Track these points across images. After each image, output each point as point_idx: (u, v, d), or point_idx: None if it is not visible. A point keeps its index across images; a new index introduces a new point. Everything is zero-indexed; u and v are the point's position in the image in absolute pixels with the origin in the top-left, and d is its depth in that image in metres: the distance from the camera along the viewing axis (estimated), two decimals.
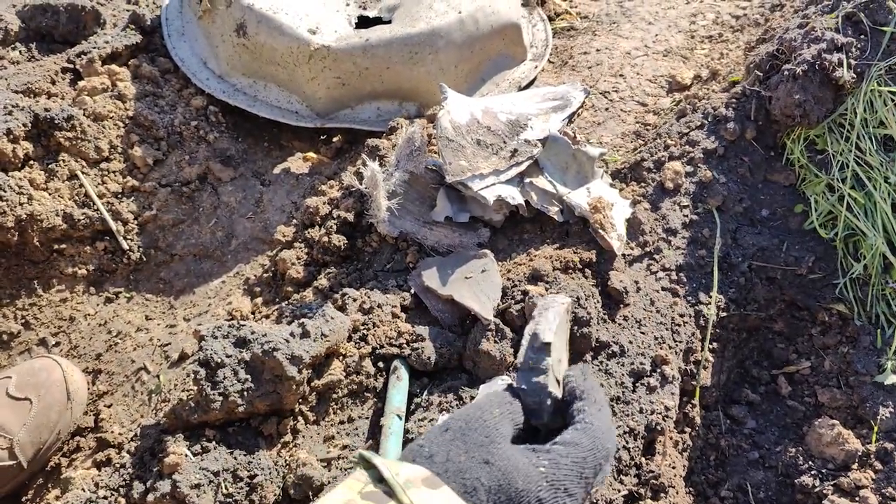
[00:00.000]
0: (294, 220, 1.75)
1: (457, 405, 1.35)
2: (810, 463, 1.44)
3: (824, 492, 1.39)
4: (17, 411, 1.44)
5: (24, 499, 1.47)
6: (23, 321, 1.66)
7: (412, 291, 1.51)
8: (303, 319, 1.40)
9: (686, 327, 1.49)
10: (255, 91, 1.92)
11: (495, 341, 1.38)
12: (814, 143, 1.64)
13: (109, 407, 1.56)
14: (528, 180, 1.64)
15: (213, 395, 1.30)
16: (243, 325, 1.37)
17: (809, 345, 1.58)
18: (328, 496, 0.73)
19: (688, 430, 1.50)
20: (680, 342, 1.48)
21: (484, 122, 1.65)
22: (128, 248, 1.73)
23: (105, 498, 1.28)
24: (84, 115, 1.78)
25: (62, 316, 1.68)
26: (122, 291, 1.73)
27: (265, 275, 1.70)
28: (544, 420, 0.92)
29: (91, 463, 1.47)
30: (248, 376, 1.33)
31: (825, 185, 1.60)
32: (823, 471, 1.42)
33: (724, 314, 1.54)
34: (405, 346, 1.42)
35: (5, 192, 1.61)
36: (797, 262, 1.58)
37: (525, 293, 1.42)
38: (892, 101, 1.56)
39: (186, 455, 1.28)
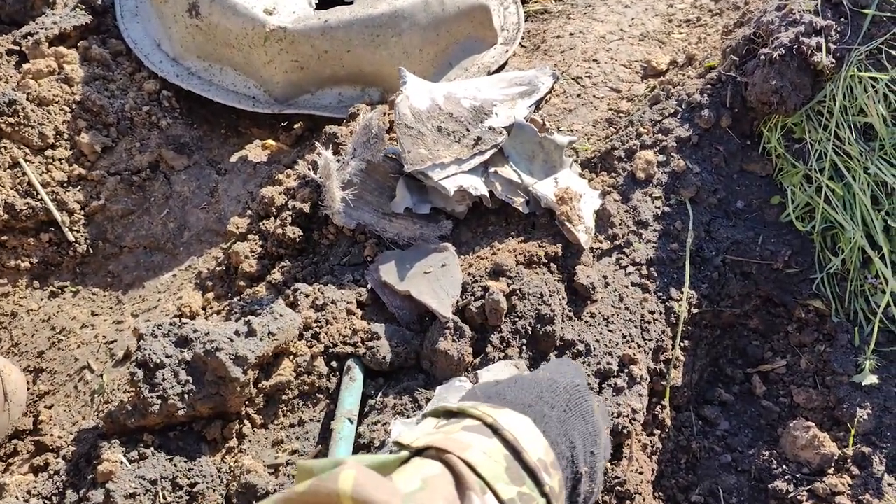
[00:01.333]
0: (249, 211, 1.66)
1: (412, 408, 1.28)
2: (784, 467, 1.37)
3: (799, 497, 1.33)
4: None
5: None
6: None
7: (369, 287, 1.43)
8: (249, 317, 1.32)
9: (656, 324, 1.42)
10: (211, 75, 1.82)
11: (453, 340, 1.30)
12: (791, 131, 1.57)
13: (50, 408, 1.48)
14: (492, 170, 1.56)
15: (152, 397, 1.22)
16: (185, 324, 1.29)
17: (785, 342, 1.52)
18: (409, 433, 0.75)
19: (657, 432, 1.43)
20: (650, 340, 1.41)
21: (446, 108, 1.57)
22: (74, 239, 1.65)
23: None
24: (28, 99, 1.68)
25: (3, 311, 1.59)
26: (67, 286, 1.64)
27: (218, 268, 1.61)
28: None
29: (28, 468, 1.38)
30: (190, 378, 1.25)
31: (803, 175, 1.53)
32: (798, 475, 1.36)
33: (697, 311, 1.47)
34: (360, 344, 1.34)
35: None
36: (773, 256, 1.51)
37: (485, 289, 1.35)
38: (873, 87, 1.48)
39: (122, 462, 1.21)
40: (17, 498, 1.26)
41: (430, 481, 0.68)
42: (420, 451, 0.72)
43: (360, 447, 1.24)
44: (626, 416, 1.32)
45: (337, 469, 0.63)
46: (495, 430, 0.74)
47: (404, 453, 0.72)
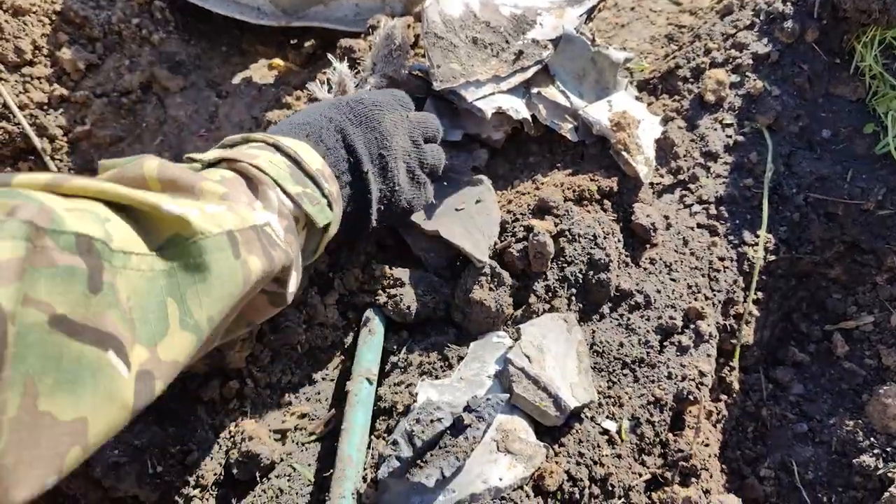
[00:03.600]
0: None
1: (441, 367, 1.09)
2: (872, 439, 1.18)
3: (889, 475, 1.14)
4: None
5: None
6: None
7: None
8: None
9: (727, 273, 1.22)
10: None
11: (490, 288, 1.11)
12: (891, 47, 1.33)
13: None
14: (535, 90, 1.34)
15: None
16: None
17: (873, 296, 1.30)
18: (202, 154, 0.90)
19: (724, 397, 1.24)
20: (719, 291, 1.21)
21: (482, 16, 1.34)
22: (56, 170, 1.45)
23: None
24: (1, 8, 1.47)
25: None
26: None
27: None
28: None
29: None
30: None
31: None
32: (889, 449, 1.17)
33: (774, 257, 1.26)
34: (380, 292, 1.16)
35: None
36: (863, 194, 1.29)
37: (528, 229, 1.14)
38: None
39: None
40: None
41: (227, 181, 0.80)
42: (212, 165, 0.84)
43: (380, 412, 1.07)
44: (693, 380, 1.12)
45: (139, 158, 0.72)
46: (278, 147, 0.89)
47: (196, 165, 0.83)
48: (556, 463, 0.98)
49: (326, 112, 1.00)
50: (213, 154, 0.84)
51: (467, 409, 0.96)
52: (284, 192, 0.84)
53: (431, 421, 0.95)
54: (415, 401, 1.02)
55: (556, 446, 1.01)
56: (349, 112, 1.01)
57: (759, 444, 1.25)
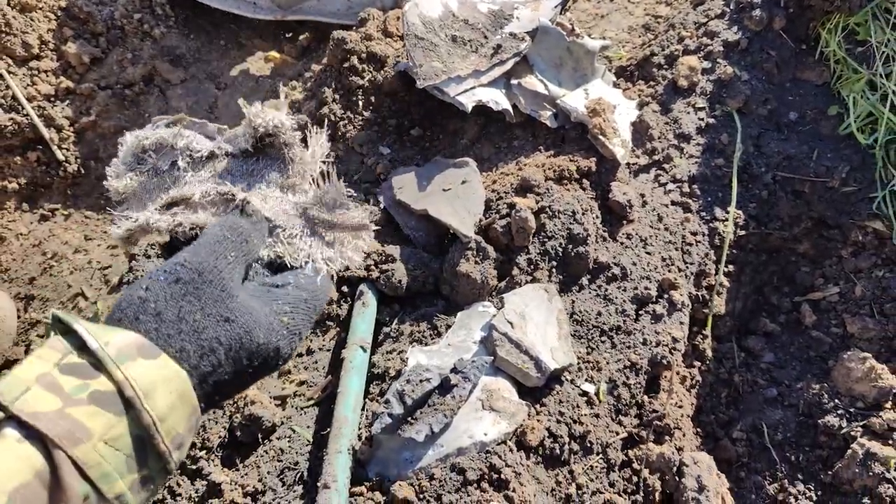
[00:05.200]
0: None
1: (431, 335, 1.16)
2: (836, 401, 1.25)
3: (853, 433, 1.21)
4: None
5: None
6: None
7: (382, 206, 1.30)
8: None
9: (699, 247, 1.29)
10: None
11: (476, 262, 1.18)
12: (854, 33, 1.40)
13: (42, 337, 1.38)
14: (515, 81, 1.41)
15: None
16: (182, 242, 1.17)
17: (839, 268, 1.38)
18: (15, 371, 0.59)
19: (697, 363, 1.32)
20: (691, 264, 1.28)
21: (461, 14, 1.41)
22: (63, 158, 1.53)
23: None
24: (9, 4, 1.54)
25: None
26: (58, 208, 1.53)
27: None
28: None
29: None
30: None
31: (866, 82, 1.37)
32: (852, 410, 1.24)
33: (743, 233, 1.33)
34: (373, 268, 1.23)
35: None
36: (829, 172, 1.37)
37: (511, 206, 1.21)
38: None
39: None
40: None
41: (17, 496, 0.55)
42: (21, 421, 0.56)
43: (373, 377, 1.14)
44: (666, 346, 1.20)
45: None
46: (130, 407, 0.62)
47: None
48: (538, 421, 1.06)
49: (204, 331, 0.69)
50: (24, 401, 0.58)
51: (454, 370, 1.03)
52: (102, 496, 0.60)
53: (421, 381, 1.02)
54: (406, 365, 1.09)
55: (537, 406, 1.08)
56: (183, 292, 0.70)
57: (732, 408, 1.33)
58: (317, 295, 0.79)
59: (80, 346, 0.62)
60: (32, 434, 0.56)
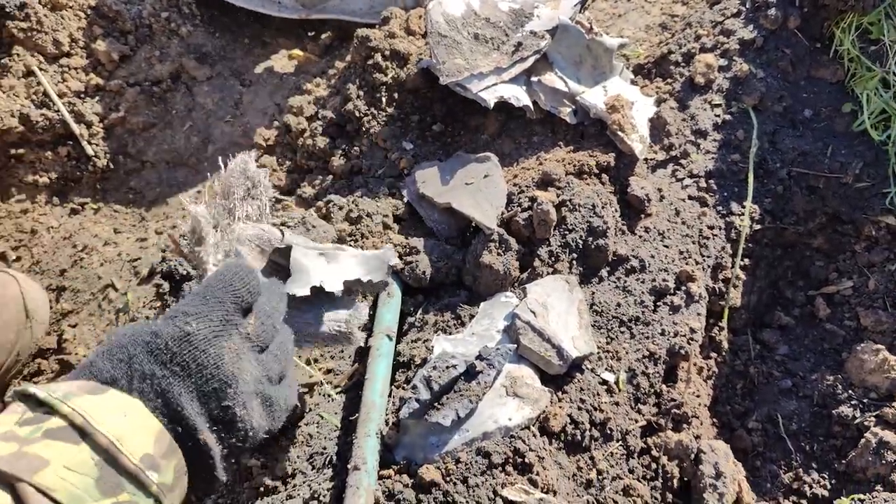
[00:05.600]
0: (276, 123, 1.56)
1: (455, 324, 1.20)
2: (850, 392, 1.28)
3: (865, 423, 1.24)
4: None
5: None
6: None
7: (405, 200, 1.34)
8: (281, 228, 1.23)
9: (715, 240, 1.32)
10: None
11: (499, 253, 1.21)
12: (867, 32, 1.43)
13: (74, 327, 1.42)
14: (535, 78, 1.44)
15: None
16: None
17: (852, 263, 1.41)
18: None
19: (714, 355, 1.34)
20: (708, 257, 1.31)
21: (482, 12, 1.45)
22: (93, 153, 1.56)
23: None
24: (40, 3, 1.58)
25: (23, 228, 1.52)
26: (88, 202, 1.57)
27: None
28: None
29: None
30: None
31: (879, 80, 1.40)
32: (865, 401, 1.27)
33: (759, 227, 1.36)
34: (398, 259, 1.26)
35: None
36: (842, 168, 1.39)
37: (533, 199, 1.25)
38: None
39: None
40: None
41: None
42: None
43: (399, 365, 1.17)
44: (684, 336, 1.23)
45: None
46: (84, 433, 0.64)
47: None
48: (560, 407, 1.09)
49: (138, 361, 0.71)
50: None
51: (479, 357, 1.06)
52: None
53: (447, 367, 1.05)
54: (431, 353, 1.12)
55: (559, 393, 1.11)
56: (170, 360, 0.72)
57: (748, 399, 1.35)
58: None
59: (36, 402, 0.66)
60: None
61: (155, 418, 0.69)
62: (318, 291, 1.01)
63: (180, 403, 0.71)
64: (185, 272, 1.17)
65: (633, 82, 1.48)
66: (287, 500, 1.05)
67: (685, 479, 1.17)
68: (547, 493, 1.00)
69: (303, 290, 0.98)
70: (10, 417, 0.65)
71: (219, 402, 0.74)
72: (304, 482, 1.07)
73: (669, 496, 1.15)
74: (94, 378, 0.70)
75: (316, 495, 1.02)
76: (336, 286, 1.02)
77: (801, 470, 1.25)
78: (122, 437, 0.65)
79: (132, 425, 0.67)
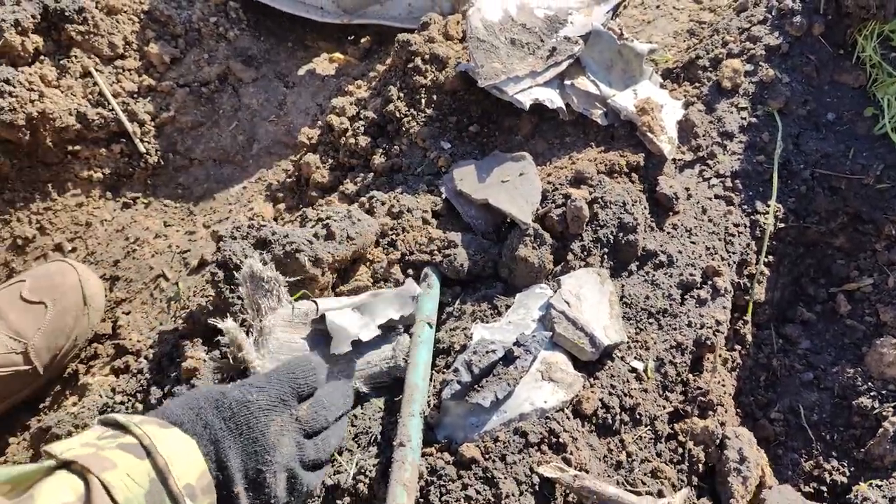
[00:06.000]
0: (319, 123, 1.64)
1: (491, 314, 1.26)
2: (869, 384, 1.33)
3: (884, 413, 1.29)
4: (31, 315, 1.39)
5: (41, 405, 1.43)
6: (37, 226, 1.59)
7: (444, 196, 1.41)
8: (327, 221, 1.31)
9: (740, 238, 1.38)
10: None
11: (534, 247, 1.28)
12: (889, 39, 1.48)
13: (127, 314, 1.50)
14: (568, 82, 1.51)
15: (232, 298, 1.22)
16: (264, 226, 1.28)
17: (873, 261, 1.46)
18: (65, 441, 0.78)
19: (738, 347, 1.40)
20: (733, 253, 1.37)
21: (519, 19, 1.52)
22: (145, 151, 1.65)
23: (122, 403, 1.23)
24: (97, 7, 1.67)
25: (78, 221, 1.61)
26: (139, 197, 1.65)
27: (288, 180, 1.60)
28: None
29: (109, 370, 1.41)
30: None
31: None
32: (884, 392, 1.32)
33: (783, 225, 1.42)
34: (436, 252, 1.32)
35: (15, 87, 1.52)
36: (864, 170, 1.45)
37: (566, 196, 1.31)
38: None
39: (205, 360, 1.21)
40: (100, 396, 1.29)
41: None
42: (68, 464, 0.75)
43: (439, 352, 1.24)
44: (710, 328, 1.29)
45: None
46: (149, 452, 0.78)
47: (49, 463, 0.75)
48: (592, 392, 1.15)
49: (204, 412, 0.87)
50: (72, 451, 0.76)
51: (516, 343, 1.13)
52: None
53: (486, 352, 1.12)
54: (470, 340, 1.19)
55: (591, 379, 1.17)
56: (230, 418, 0.88)
57: (770, 391, 1.41)
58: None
59: (116, 425, 0.82)
60: (75, 470, 0.74)
61: (203, 460, 0.83)
62: (359, 343, 1.15)
63: (227, 455, 0.85)
64: (238, 262, 1.24)
65: (662, 86, 1.55)
66: (335, 475, 1.11)
67: (710, 463, 1.22)
68: (580, 471, 1.06)
69: (346, 348, 1.12)
70: (93, 433, 0.82)
71: (255, 463, 0.88)
72: (350, 459, 1.14)
73: (695, 479, 1.21)
74: (165, 418, 0.85)
75: (363, 470, 1.09)
76: (372, 333, 1.16)
77: (821, 458, 1.31)
78: (175, 463, 0.79)
79: (185, 458, 0.81)
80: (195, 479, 0.81)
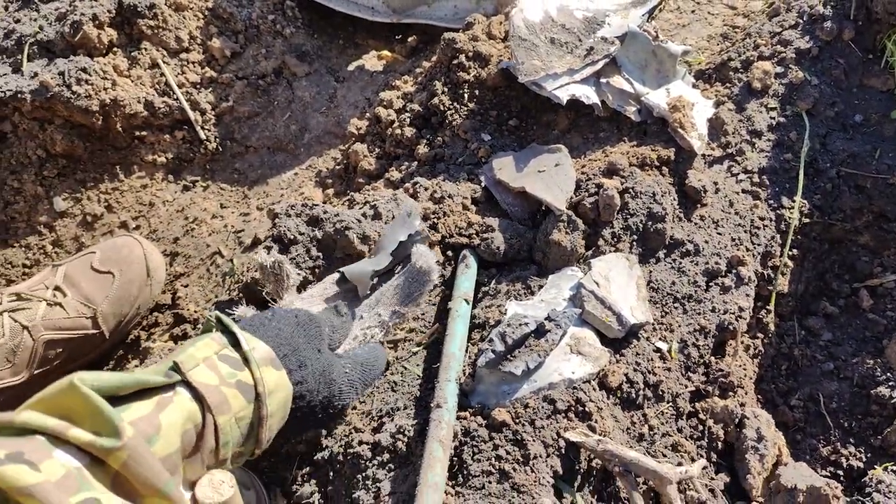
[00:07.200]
0: (367, 115, 1.74)
1: (525, 293, 1.34)
2: (889, 374, 1.39)
3: None
4: (100, 284, 1.50)
5: (105, 368, 1.54)
6: (105, 204, 1.71)
7: (483, 185, 1.50)
8: (374, 202, 1.40)
9: (766, 230, 1.44)
10: None
11: (567, 232, 1.36)
12: None
13: (186, 287, 1.61)
14: (604, 80, 1.59)
15: (288, 269, 1.32)
16: (316, 206, 1.39)
17: None
18: (188, 349, 0.87)
19: (760, 336, 1.46)
20: (758, 245, 1.43)
21: (559, 19, 1.60)
22: (205, 138, 1.76)
23: None
24: (166, 4, 1.79)
25: (142, 201, 1.73)
26: (198, 180, 1.77)
27: (337, 167, 1.71)
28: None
29: (168, 337, 1.52)
30: (320, 254, 1.35)
31: None
32: None
33: (808, 220, 1.48)
34: (475, 236, 1.41)
35: (91, 76, 1.65)
36: (890, 170, 1.50)
37: (599, 186, 1.39)
38: None
39: None
40: (159, 359, 1.40)
41: (185, 436, 0.80)
42: (192, 387, 0.83)
43: (474, 326, 1.32)
44: (733, 314, 1.35)
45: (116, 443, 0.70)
46: (259, 400, 0.88)
47: (177, 378, 0.83)
48: (618, 367, 1.22)
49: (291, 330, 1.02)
50: (195, 370, 0.84)
51: (548, 318, 1.21)
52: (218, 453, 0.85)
53: (520, 325, 1.20)
54: (504, 315, 1.27)
55: (617, 355, 1.25)
56: (302, 327, 1.04)
57: (791, 379, 1.47)
58: (372, 362, 1.16)
59: (234, 343, 0.91)
60: (197, 397, 0.83)
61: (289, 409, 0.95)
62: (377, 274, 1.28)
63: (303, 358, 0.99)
64: (293, 237, 1.34)
65: (694, 86, 1.62)
66: (374, 433, 1.21)
67: (729, 441, 1.29)
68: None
69: (370, 284, 1.25)
70: (212, 344, 0.90)
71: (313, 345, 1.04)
72: (390, 420, 1.23)
73: (714, 456, 1.28)
74: (277, 349, 0.95)
75: (402, 430, 1.18)
76: (386, 261, 1.28)
77: (838, 444, 1.36)
78: (272, 415, 0.90)
79: (279, 409, 0.93)
80: (276, 427, 0.93)
